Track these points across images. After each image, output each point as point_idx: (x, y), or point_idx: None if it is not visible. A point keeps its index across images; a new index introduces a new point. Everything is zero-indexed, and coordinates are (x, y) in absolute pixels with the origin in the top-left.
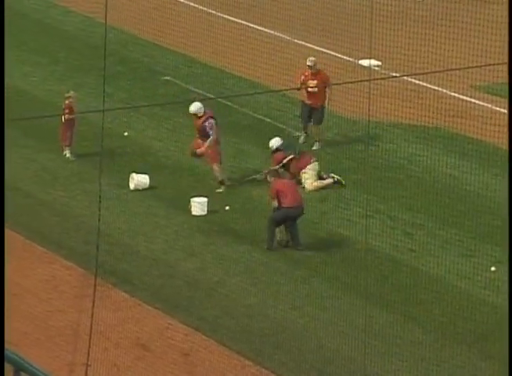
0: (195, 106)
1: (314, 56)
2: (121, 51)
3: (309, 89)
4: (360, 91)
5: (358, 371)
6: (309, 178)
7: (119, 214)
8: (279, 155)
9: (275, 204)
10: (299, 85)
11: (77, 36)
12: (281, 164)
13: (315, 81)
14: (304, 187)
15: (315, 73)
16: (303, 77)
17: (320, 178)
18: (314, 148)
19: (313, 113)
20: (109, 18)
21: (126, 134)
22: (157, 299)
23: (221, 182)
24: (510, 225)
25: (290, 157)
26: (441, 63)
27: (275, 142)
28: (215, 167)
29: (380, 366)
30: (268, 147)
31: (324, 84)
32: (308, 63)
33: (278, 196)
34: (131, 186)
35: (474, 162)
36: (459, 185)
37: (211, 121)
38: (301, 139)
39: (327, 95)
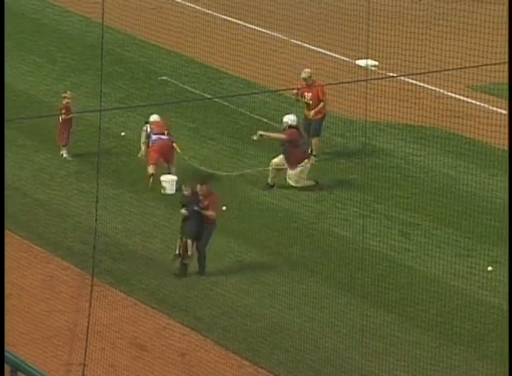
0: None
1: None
2: (118, 51)
3: (305, 101)
4: (357, 91)
5: (355, 371)
6: (297, 173)
7: (116, 214)
8: (294, 131)
9: (213, 215)
10: (294, 96)
11: (74, 36)
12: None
13: (309, 94)
14: (289, 181)
15: (310, 85)
16: (297, 88)
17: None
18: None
19: (310, 125)
20: (106, 18)
21: (123, 134)
22: (154, 299)
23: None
24: (510, 225)
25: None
26: (438, 63)
27: (287, 119)
28: (149, 168)
29: (377, 365)
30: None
31: (319, 98)
32: (303, 75)
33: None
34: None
35: (470, 162)
36: (456, 185)
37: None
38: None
39: (323, 109)
